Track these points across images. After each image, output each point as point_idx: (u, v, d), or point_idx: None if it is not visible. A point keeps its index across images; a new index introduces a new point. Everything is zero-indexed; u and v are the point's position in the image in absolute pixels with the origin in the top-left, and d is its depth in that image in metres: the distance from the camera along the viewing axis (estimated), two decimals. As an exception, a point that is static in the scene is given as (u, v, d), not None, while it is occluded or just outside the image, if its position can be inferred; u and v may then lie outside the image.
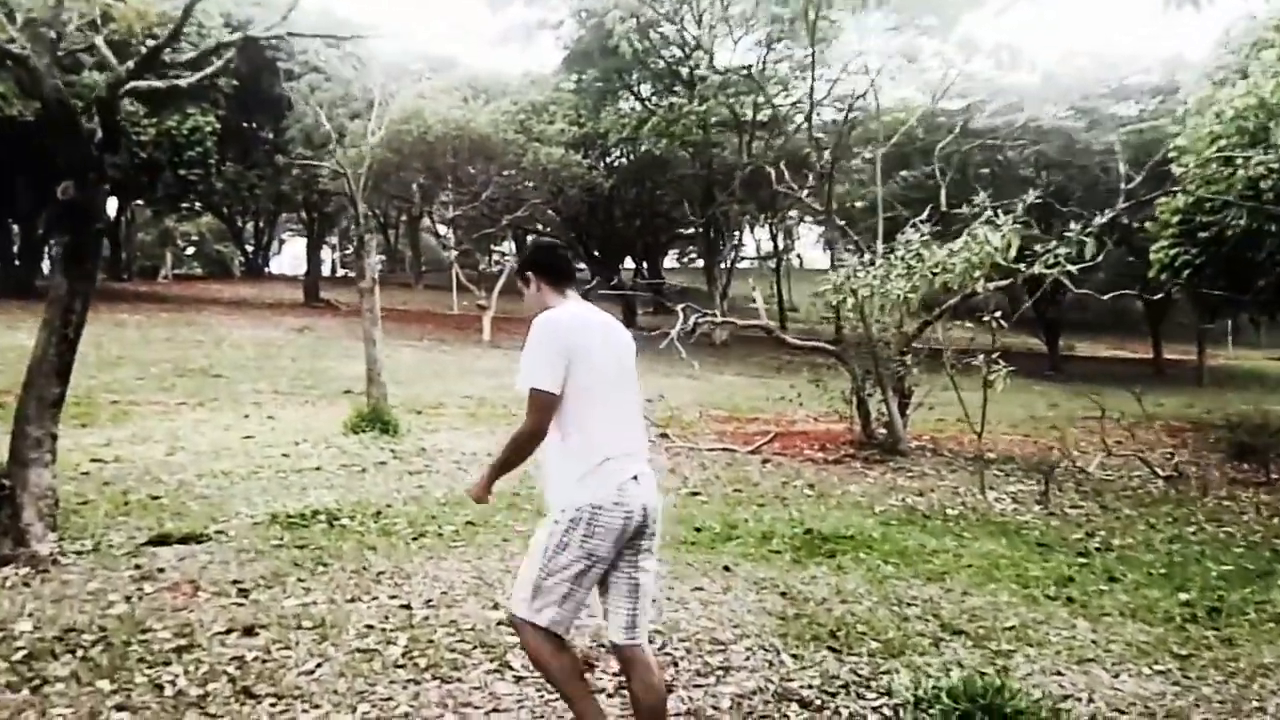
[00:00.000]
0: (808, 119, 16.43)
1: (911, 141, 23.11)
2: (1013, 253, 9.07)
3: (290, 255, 69.35)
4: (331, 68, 28.50)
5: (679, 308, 11.28)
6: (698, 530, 7.04)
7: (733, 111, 29.58)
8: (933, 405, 12.42)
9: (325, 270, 51.88)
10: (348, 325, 26.99)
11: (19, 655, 3.99)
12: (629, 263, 44.09)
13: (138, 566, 5.32)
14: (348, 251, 62.60)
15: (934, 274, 9.65)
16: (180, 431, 10.31)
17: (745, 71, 22.78)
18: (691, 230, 46.56)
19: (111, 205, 38.47)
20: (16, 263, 29.29)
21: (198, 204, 40.04)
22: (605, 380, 3.08)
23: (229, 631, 4.33)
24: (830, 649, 4.55)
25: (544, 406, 2.99)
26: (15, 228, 30.44)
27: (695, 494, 8.70)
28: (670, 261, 57.76)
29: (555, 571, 3.00)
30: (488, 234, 30.81)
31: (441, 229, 48.77)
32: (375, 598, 4.96)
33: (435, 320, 29.90)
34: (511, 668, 4.08)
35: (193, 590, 4.92)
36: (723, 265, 35.95)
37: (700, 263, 54.22)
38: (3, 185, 28.73)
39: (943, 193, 12.56)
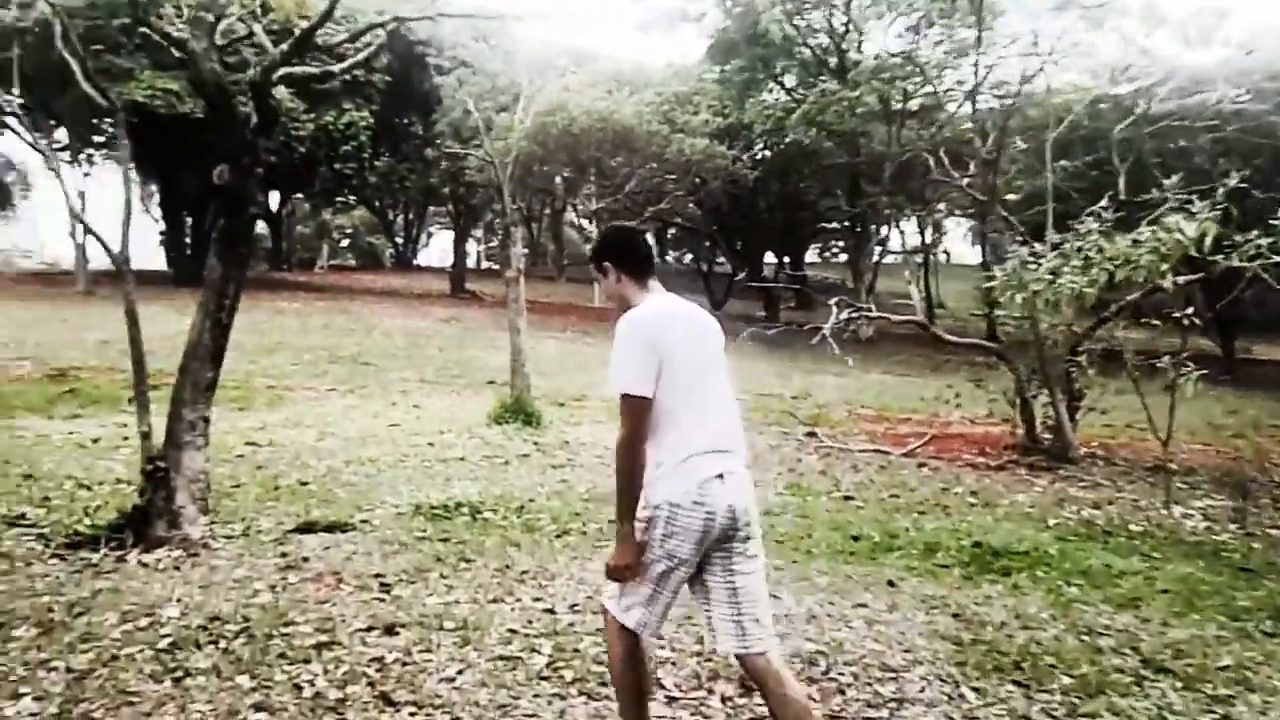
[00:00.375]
0: (971, 102, 15.55)
1: (1074, 129, 21.79)
2: (1209, 243, 8.18)
3: (438, 248, 71.39)
4: (479, 62, 28.95)
5: (831, 302, 10.74)
6: (855, 539, 6.58)
7: (883, 99, 28.59)
8: (1104, 409, 11.50)
9: (471, 262, 53.05)
10: (492, 316, 27.40)
11: (164, 643, 3.91)
12: (769, 257, 43.40)
13: (284, 554, 5.25)
14: (492, 244, 63.98)
15: (1115, 267, 8.83)
16: (330, 417, 10.46)
17: (904, 54, 21.84)
18: (836, 223, 45.52)
19: (274, 199, 40.32)
20: (188, 253, 30.92)
21: (352, 197, 41.59)
22: (691, 374, 2.90)
23: (370, 629, 4.16)
24: (1016, 683, 4.05)
25: (638, 411, 2.83)
26: (188, 220, 32.17)
27: (849, 498, 8.21)
28: (811, 256, 56.64)
29: (639, 573, 2.88)
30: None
31: (583, 222, 49.23)
32: (519, 599, 4.73)
33: (578, 313, 30.05)
34: (664, 686, 3.75)
35: (336, 582, 4.80)
36: (870, 259, 34.84)
37: (843, 257, 53.02)
38: (174, 178, 30.39)
39: (1121, 179, 11.60)
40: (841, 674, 4.02)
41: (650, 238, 3.21)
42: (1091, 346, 10.91)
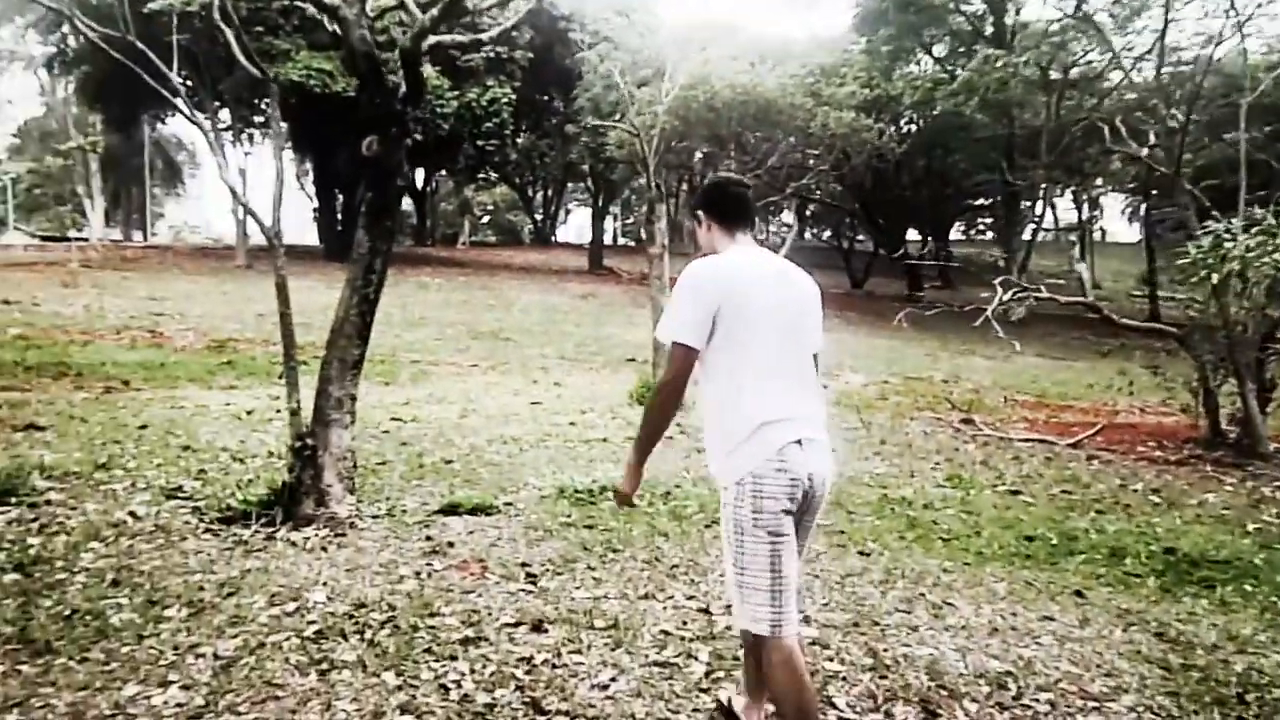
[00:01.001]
0: (1159, 59, 14.36)
1: (1262, 96, 20.01)
2: None
3: (575, 224, 72.16)
4: (619, 36, 28.73)
5: (996, 281, 10.04)
6: (1029, 539, 6.03)
7: (1044, 67, 27.02)
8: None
9: (607, 239, 53.29)
10: (629, 293, 27.33)
11: (310, 630, 3.78)
12: (912, 235, 41.94)
13: (429, 538, 5.12)
14: (629, 221, 64.16)
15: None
16: (473, 394, 10.44)
17: (1077, 15, 20.46)
18: (983, 200, 43.61)
19: (419, 176, 41.31)
20: (339, 229, 31.97)
21: (493, 174, 42.30)
22: (768, 335, 2.74)
23: (517, 624, 3.95)
24: (1243, 721, 3.52)
25: (684, 360, 2.75)
26: (339, 197, 33.23)
27: (1015, 493, 7.61)
28: (954, 233, 54.53)
29: (749, 564, 2.69)
30: (772, 203, 30.03)
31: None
32: (670, 596, 4.44)
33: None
34: (835, 706, 3.40)
35: (481, 570, 4.61)
36: (1022, 236, 33.17)
37: (988, 234, 50.81)
38: (327, 156, 31.36)
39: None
40: (1036, 700, 3.57)
41: (749, 198, 2.91)
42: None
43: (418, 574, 4.52)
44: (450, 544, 5.01)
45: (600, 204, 40.43)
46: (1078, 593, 4.91)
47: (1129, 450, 10.01)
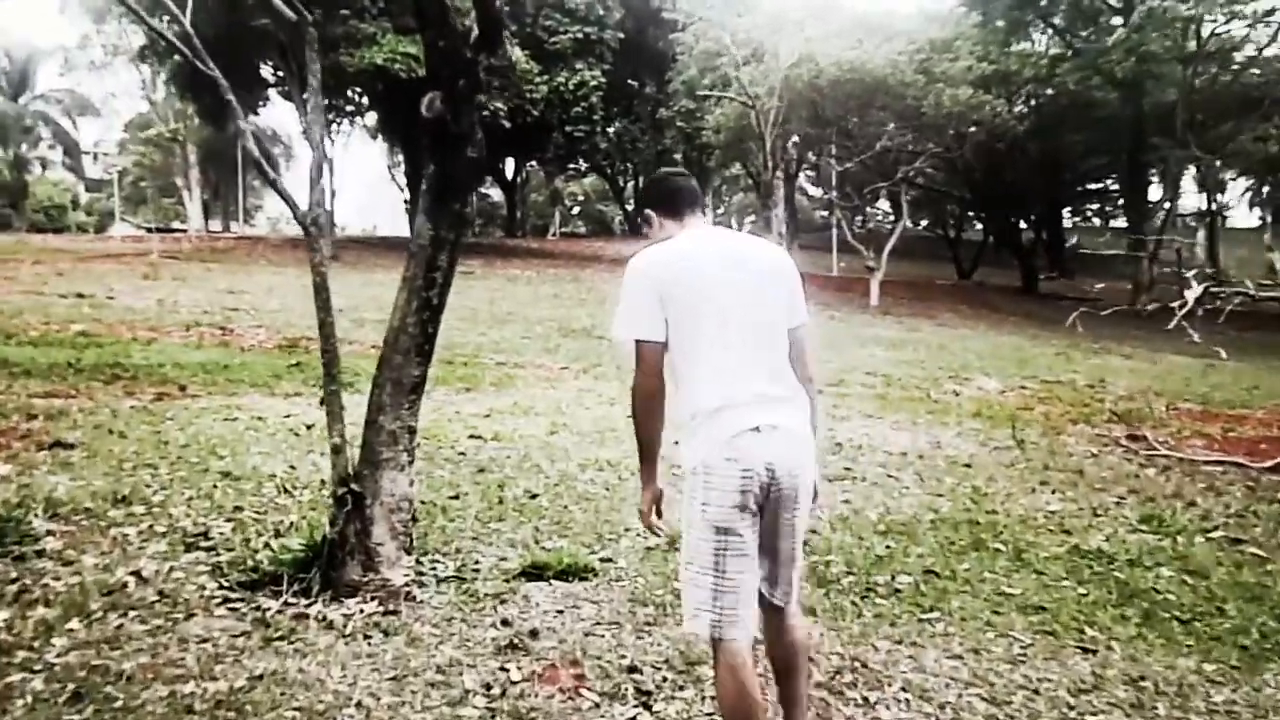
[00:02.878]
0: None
1: None
2: None
3: (666, 215, 71.16)
4: (716, 15, 27.34)
5: (1188, 274, 8.42)
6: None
7: (1177, 40, 24.71)
8: None
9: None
10: (725, 285, 25.92)
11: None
12: (1022, 224, 39.51)
13: (505, 621, 3.88)
14: (719, 211, 62.75)
15: None
16: (564, 404, 9.25)
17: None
18: (1101, 184, 41.03)
19: (509, 165, 40.58)
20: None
21: (583, 163, 41.42)
22: (718, 315, 2.56)
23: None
24: None
25: (648, 356, 2.57)
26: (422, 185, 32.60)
27: (1236, 541, 6.04)
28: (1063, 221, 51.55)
29: (694, 559, 2.53)
30: (878, 188, 28.24)
31: (812, 189, 46.75)
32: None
33: (817, 282, 28.08)
34: None
35: (575, 682, 3.36)
36: (1153, 221, 30.65)
37: (1095, 221, 47.87)
38: (418, 146, 30.73)
39: None
40: None
41: (692, 183, 2.36)
42: None
43: (487, 687, 3.28)
44: (533, 633, 3.77)
45: (695, 191, 39.02)
46: None
47: (1346, 477, 8.28)
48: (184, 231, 43.03)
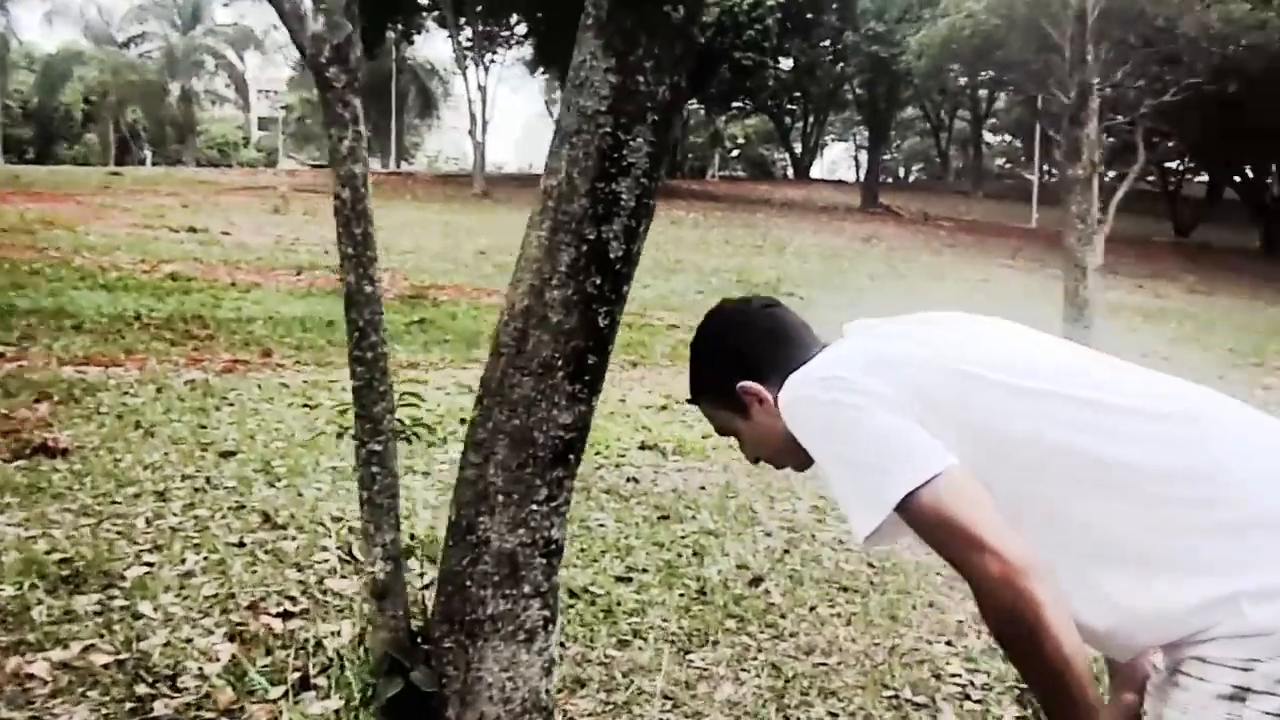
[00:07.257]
0: None
1: None
2: None
3: (829, 160, 67.65)
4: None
5: None
6: None
7: None
8: None
9: (852, 174, 48.48)
10: (916, 235, 22.86)
11: None
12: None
13: None
14: (889, 156, 58.56)
15: None
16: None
17: None
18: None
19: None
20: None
21: (748, 102, 38.51)
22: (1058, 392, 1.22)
23: None
24: None
25: (962, 499, 1.16)
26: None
27: None
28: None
29: None
30: (1114, 125, 24.11)
31: (990, 136, 42.19)
32: None
33: (1016, 235, 24.57)
34: None
35: None
36: None
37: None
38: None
39: None
40: None
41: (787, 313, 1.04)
42: None
43: None
44: None
45: (876, 130, 35.45)
46: None
47: None
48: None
